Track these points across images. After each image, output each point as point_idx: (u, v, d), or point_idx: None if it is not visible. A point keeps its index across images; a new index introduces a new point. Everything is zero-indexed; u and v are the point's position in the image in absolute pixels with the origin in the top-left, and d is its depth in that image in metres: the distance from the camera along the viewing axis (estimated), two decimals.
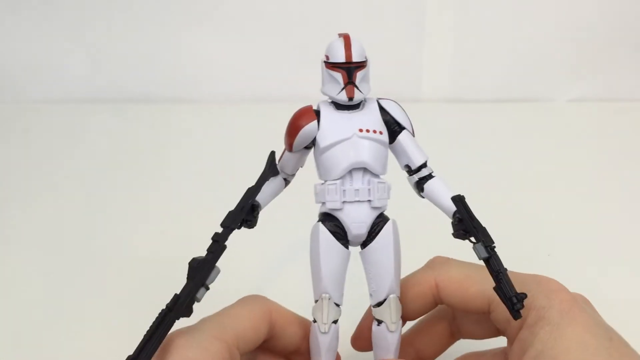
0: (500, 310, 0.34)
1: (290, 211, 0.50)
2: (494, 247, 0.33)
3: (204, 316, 0.35)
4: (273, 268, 0.58)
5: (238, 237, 0.35)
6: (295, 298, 0.40)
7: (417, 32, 0.89)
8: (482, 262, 0.33)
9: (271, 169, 0.36)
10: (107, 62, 0.95)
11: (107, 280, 0.58)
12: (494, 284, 0.32)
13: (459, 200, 0.35)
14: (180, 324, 0.33)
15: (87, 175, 0.77)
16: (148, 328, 0.31)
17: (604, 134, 0.83)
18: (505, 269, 0.33)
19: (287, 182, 0.39)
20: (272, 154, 0.37)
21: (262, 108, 0.91)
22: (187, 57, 0.94)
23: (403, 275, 0.38)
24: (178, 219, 0.66)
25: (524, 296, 0.32)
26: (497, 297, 0.33)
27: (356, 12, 0.88)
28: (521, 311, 0.32)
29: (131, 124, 0.90)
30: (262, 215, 0.37)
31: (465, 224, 0.34)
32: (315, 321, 0.36)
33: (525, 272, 0.37)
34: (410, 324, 0.41)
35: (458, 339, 0.40)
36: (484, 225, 0.34)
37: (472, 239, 0.34)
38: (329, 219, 0.36)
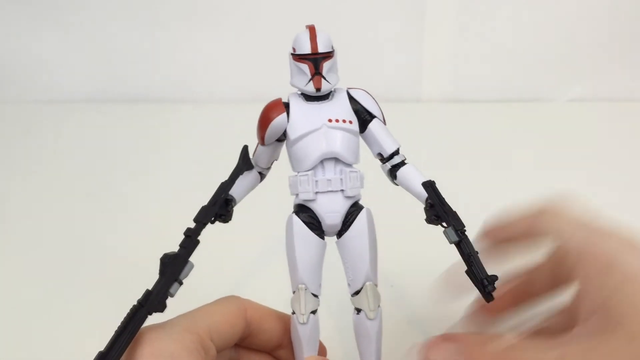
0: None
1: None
2: (465, 230, 0.33)
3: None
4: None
5: (214, 234, 0.35)
6: (275, 294, 0.40)
7: (417, 32, 0.89)
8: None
9: (244, 163, 0.37)
10: (107, 62, 0.95)
11: (107, 279, 0.58)
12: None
13: (429, 185, 0.35)
14: (154, 320, 0.32)
15: (86, 175, 0.77)
16: (119, 324, 0.31)
17: (604, 134, 0.83)
18: (476, 252, 0.33)
19: (262, 175, 0.39)
20: (245, 148, 0.37)
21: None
22: (187, 57, 0.94)
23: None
24: (178, 219, 0.66)
25: (495, 278, 0.32)
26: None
27: (356, 12, 0.88)
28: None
29: (131, 124, 0.90)
30: (238, 211, 0.37)
31: (436, 208, 0.34)
32: (294, 313, 0.36)
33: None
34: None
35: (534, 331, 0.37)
36: (454, 210, 0.34)
37: (444, 223, 0.34)
38: (303, 210, 0.36)
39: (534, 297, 0.36)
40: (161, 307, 0.31)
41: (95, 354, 0.30)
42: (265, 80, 0.94)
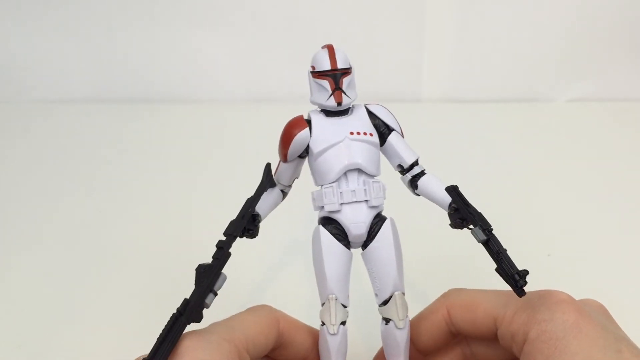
0: (504, 326, 0.34)
1: (289, 222, 0.50)
2: (492, 229, 0.34)
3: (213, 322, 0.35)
4: (276, 279, 0.58)
5: (240, 250, 0.36)
6: (300, 308, 0.40)
7: (417, 32, 0.89)
8: (493, 287, 0.34)
9: (268, 179, 0.38)
10: (107, 62, 0.95)
11: (108, 279, 0.58)
12: (508, 290, 0.32)
13: (453, 189, 0.36)
14: (190, 329, 0.33)
15: (87, 175, 0.77)
16: (160, 331, 0.31)
17: (604, 134, 0.83)
18: (505, 250, 0.33)
19: (284, 193, 0.40)
20: (268, 165, 0.38)
21: (262, 108, 0.91)
22: (187, 57, 0.94)
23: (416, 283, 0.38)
24: (178, 219, 0.66)
25: (526, 272, 0.32)
26: (502, 314, 0.34)
27: (356, 12, 0.88)
28: (523, 327, 0.32)
29: (131, 124, 0.90)
30: (262, 227, 0.38)
31: (461, 211, 0.35)
32: (323, 324, 0.36)
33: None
34: None
35: None
36: (479, 211, 0.35)
37: (471, 226, 0.34)
38: (329, 222, 0.37)
39: None
40: (199, 317, 0.32)
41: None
42: (265, 80, 0.94)
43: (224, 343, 0.32)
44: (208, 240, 0.36)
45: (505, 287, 0.33)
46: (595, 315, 0.32)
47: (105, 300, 0.56)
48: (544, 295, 0.34)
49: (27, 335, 0.52)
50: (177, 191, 0.72)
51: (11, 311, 0.55)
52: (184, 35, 0.92)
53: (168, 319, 0.32)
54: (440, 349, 0.40)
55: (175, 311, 0.32)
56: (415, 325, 0.38)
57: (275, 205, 0.39)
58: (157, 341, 0.31)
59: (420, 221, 0.50)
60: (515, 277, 0.32)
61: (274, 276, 0.58)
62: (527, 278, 0.32)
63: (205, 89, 0.96)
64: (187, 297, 0.33)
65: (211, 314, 0.34)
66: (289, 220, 0.51)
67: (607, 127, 0.85)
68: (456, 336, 0.39)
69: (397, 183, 0.39)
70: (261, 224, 0.38)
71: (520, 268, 0.33)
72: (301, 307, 0.40)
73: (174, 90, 0.95)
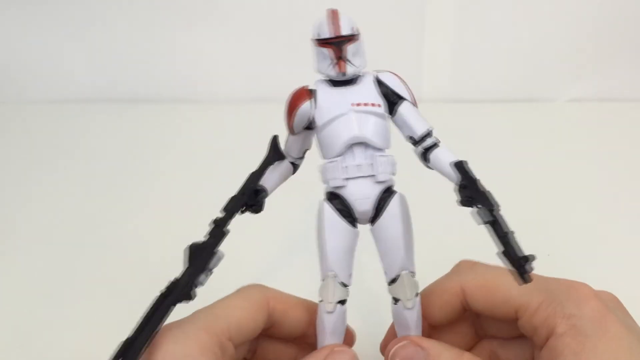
0: (527, 317, 0.33)
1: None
2: (499, 209, 0.32)
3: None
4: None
5: (241, 226, 0.35)
6: (302, 284, 0.39)
7: (417, 32, 0.89)
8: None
9: (274, 153, 0.36)
10: (107, 62, 0.95)
11: (107, 279, 0.58)
12: (512, 277, 0.31)
13: (460, 165, 0.34)
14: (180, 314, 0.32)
15: (87, 175, 0.77)
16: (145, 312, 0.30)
17: (604, 134, 0.83)
18: (513, 232, 0.31)
19: (295, 165, 0.38)
20: (275, 138, 0.36)
21: (262, 108, 0.91)
22: (187, 57, 0.94)
23: (428, 275, 0.37)
24: (178, 218, 0.66)
25: (532, 257, 0.30)
26: (525, 304, 0.33)
27: (356, 12, 0.88)
28: (550, 320, 0.31)
29: (131, 124, 0.90)
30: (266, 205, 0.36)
31: (469, 188, 0.33)
32: (321, 301, 0.35)
33: None
34: None
35: (483, 338, 0.40)
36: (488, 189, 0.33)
37: (479, 205, 0.32)
38: (334, 198, 0.35)
39: None
40: (188, 297, 0.31)
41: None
42: (266, 80, 0.94)
43: (200, 333, 0.32)
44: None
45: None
46: (617, 312, 0.32)
47: (105, 300, 0.56)
48: (569, 289, 0.33)
49: (28, 335, 0.52)
50: (178, 191, 0.73)
51: (11, 311, 0.55)
52: (184, 35, 0.92)
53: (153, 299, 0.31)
54: (452, 322, 0.39)
55: (164, 289, 0.31)
56: (425, 299, 0.36)
57: (285, 178, 0.38)
58: (141, 321, 0.30)
59: (435, 197, 0.48)
60: (520, 262, 0.30)
61: (278, 257, 0.57)
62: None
63: (205, 89, 0.96)
64: (178, 276, 0.31)
65: (207, 298, 0.33)
66: (297, 198, 0.50)
67: (607, 127, 0.85)
68: (467, 310, 0.38)
69: (412, 156, 0.37)
70: (268, 201, 0.36)
71: (529, 254, 0.31)
72: (305, 285, 0.38)
73: (174, 90, 0.95)
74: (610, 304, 0.33)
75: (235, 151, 0.80)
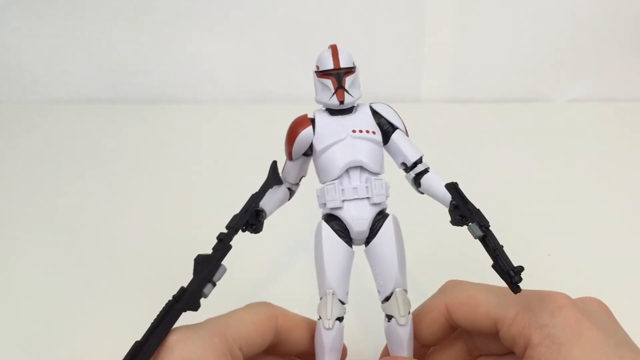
0: (505, 328, 0.34)
1: (294, 218, 0.51)
2: (489, 226, 0.34)
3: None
4: (279, 274, 0.58)
5: (244, 244, 0.36)
6: (302, 303, 0.40)
7: (417, 32, 0.89)
8: (493, 283, 0.34)
9: (274, 177, 0.38)
10: (107, 62, 0.95)
11: (108, 279, 0.58)
12: (506, 285, 0.32)
13: (452, 187, 0.36)
14: (187, 322, 0.33)
15: (87, 175, 0.77)
16: (155, 317, 0.32)
17: (604, 134, 0.83)
18: (502, 246, 0.33)
19: (291, 191, 0.41)
20: (274, 163, 0.39)
21: (262, 108, 0.91)
22: (187, 57, 0.94)
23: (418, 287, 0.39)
24: (178, 218, 0.66)
25: (521, 269, 0.32)
26: (502, 316, 0.34)
27: (356, 12, 0.88)
28: (525, 330, 0.32)
29: (131, 124, 0.90)
30: (267, 223, 0.38)
31: (460, 208, 0.35)
32: (320, 318, 0.37)
33: (525, 272, 0.37)
34: None
35: (478, 356, 0.40)
36: (478, 207, 0.35)
37: (470, 222, 0.34)
38: (332, 219, 0.37)
39: None
40: (195, 306, 0.32)
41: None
42: (266, 81, 0.94)
43: (215, 338, 0.32)
44: (208, 240, 0.36)
45: (502, 283, 0.33)
46: (596, 317, 0.32)
47: (105, 300, 0.56)
48: (544, 298, 0.34)
49: (27, 335, 0.52)
50: (177, 191, 0.72)
51: (11, 311, 0.55)
52: (184, 35, 0.92)
53: (164, 305, 0.32)
54: (443, 341, 0.40)
55: (171, 298, 0.32)
56: (415, 319, 0.38)
57: (282, 202, 0.40)
58: (151, 325, 0.31)
59: (425, 220, 0.50)
60: (510, 274, 0.32)
61: (279, 272, 0.58)
62: (528, 277, 0.32)
63: (205, 89, 0.96)
64: (185, 285, 0.33)
65: (213, 309, 0.34)
66: (295, 218, 0.51)
67: (607, 127, 0.85)
68: (456, 329, 0.39)
69: (402, 182, 0.39)
70: (268, 222, 0.38)
71: (517, 266, 0.33)
72: (303, 303, 0.40)
73: (174, 90, 0.95)
74: (591, 310, 0.33)
75: (236, 151, 0.80)
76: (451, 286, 0.39)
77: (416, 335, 0.38)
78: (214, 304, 0.34)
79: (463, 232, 0.35)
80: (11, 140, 0.88)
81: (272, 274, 0.58)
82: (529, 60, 0.91)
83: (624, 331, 0.33)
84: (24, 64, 0.96)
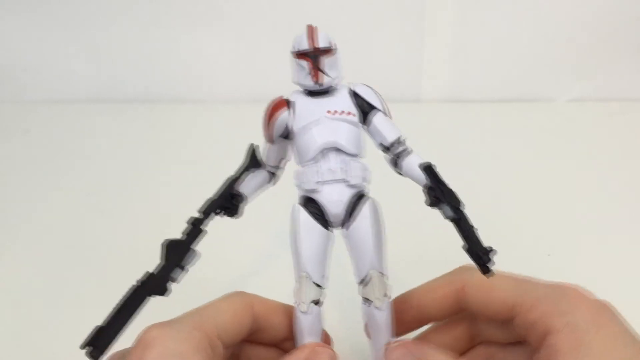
0: (523, 314, 0.34)
1: (273, 202, 0.51)
2: (459, 206, 0.34)
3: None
4: (256, 260, 0.58)
5: (223, 231, 0.36)
6: (281, 288, 0.40)
7: (417, 32, 0.89)
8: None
9: (251, 160, 0.38)
10: (107, 62, 0.95)
11: (108, 279, 0.58)
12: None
13: (428, 167, 0.36)
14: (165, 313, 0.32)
15: (87, 175, 0.77)
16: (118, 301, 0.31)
17: (604, 134, 0.83)
18: (475, 228, 0.33)
19: (273, 175, 0.40)
20: (251, 146, 0.38)
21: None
22: (187, 57, 0.94)
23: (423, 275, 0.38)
24: (178, 218, 0.66)
25: (491, 249, 0.32)
26: (520, 302, 0.34)
27: (356, 12, 0.88)
28: (545, 317, 0.32)
29: (131, 124, 0.90)
30: (255, 212, 0.38)
31: (434, 189, 0.34)
32: (296, 302, 0.36)
33: (525, 272, 0.37)
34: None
35: (477, 343, 0.40)
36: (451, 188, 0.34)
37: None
38: (308, 202, 0.37)
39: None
40: (162, 291, 0.32)
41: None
42: (265, 80, 0.94)
43: (194, 332, 0.32)
44: (208, 239, 0.35)
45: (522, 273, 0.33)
46: (612, 313, 0.33)
47: (105, 300, 0.56)
48: (562, 289, 0.33)
49: (26, 335, 0.52)
50: (177, 191, 0.72)
51: (11, 311, 0.55)
52: (183, 35, 0.92)
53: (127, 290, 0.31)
54: (445, 323, 0.40)
55: (135, 282, 0.31)
56: (422, 290, 0.38)
57: (261, 186, 0.39)
58: (113, 310, 0.30)
59: (411, 206, 0.49)
60: (479, 254, 0.32)
61: (264, 261, 0.58)
62: (528, 275, 0.32)
63: (205, 89, 0.96)
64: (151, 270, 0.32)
65: (190, 302, 0.34)
66: (278, 205, 0.51)
67: (607, 127, 0.85)
68: (459, 312, 0.39)
69: (386, 167, 0.39)
70: (255, 210, 0.37)
71: (518, 268, 0.33)
72: (285, 291, 0.39)
73: (174, 90, 0.95)
74: (607, 305, 0.33)
75: (235, 151, 0.80)
76: (467, 268, 0.38)
77: (419, 308, 0.38)
78: (192, 298, 0.33)
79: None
80: (11, 140, 0.88)
81: (257, 262, 0.58)
82: (529, 60, 0.91)
83: (633, 329, 0.33)
84: (24, 64, 0.96)
